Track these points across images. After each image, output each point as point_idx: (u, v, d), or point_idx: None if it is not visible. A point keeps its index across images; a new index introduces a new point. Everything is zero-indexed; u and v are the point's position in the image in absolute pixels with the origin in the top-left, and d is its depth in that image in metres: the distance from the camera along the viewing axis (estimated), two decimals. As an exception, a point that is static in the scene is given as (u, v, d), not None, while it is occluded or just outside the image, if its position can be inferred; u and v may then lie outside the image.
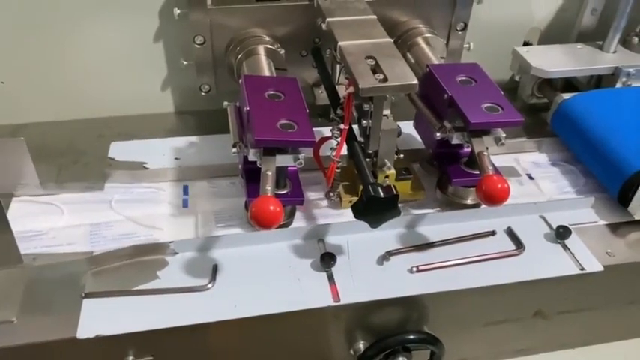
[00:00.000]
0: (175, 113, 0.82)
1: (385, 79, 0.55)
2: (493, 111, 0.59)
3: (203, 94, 0.75)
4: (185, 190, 0.67)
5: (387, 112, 0.59)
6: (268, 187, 0.51)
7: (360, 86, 0.54)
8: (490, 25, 0.82)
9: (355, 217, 0.54)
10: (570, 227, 0.62)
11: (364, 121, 0.59)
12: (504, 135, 0.59)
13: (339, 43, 0.59)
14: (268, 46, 0.71)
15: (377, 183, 0.55)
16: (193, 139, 0.74)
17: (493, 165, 0.57)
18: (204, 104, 0.78)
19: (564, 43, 0.85)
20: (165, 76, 0.78)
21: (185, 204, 0.65)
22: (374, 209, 0.53)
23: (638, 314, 0.68)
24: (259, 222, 0.48)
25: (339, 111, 0.60)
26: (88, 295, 0.53)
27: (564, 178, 0.72)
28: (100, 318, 0.51)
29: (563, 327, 0.66)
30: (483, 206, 0.63)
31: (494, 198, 0.53)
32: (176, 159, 0.71)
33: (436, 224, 0.62)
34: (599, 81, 0.83)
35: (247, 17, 0.71)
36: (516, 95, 0.84)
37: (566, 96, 0.75)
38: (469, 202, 0.64)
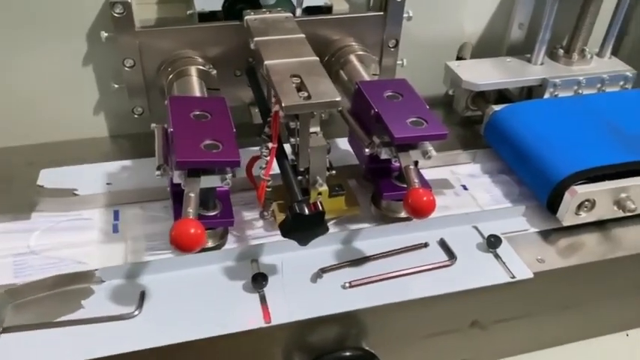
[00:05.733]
0: (110, 137, 0.80)
1: (309, 97, 0.55)
2: (418, 125, 0.59)
3: (136, 116, 0.74)
4: (116, 216, 0.65)
5: (315, 129, 0.59)
6: (190, 210, 0.50)
7: (283, 104, 0.54)
8: (422, 41, 0.84)
9: (282, 235, 0.54)
10: (501, 236, 0.63)
11: (292, 139, 0.59)
12: (431, 148, 0.60)
13: (265, 62, 0.59)
14: (200, 67, 0.70)
15: (303, 200, 0.54)
16: (126, 162, 0.73)
17: (421, 178, 0.58)
18: (138, 127, 0.76)
19: (496, 56, 0.87)
20: (98, 100, 0.77)
21: (115, 229, 0.64)
22: (301, 227, 0.53)
23: (574, 319, 0.69)
24: (179, 245, 0.47)
25: (266, 129, 0.60)
26: (7, 330, 0.51)
27: (498, 188, 0.73)
28: (20, 354, 0.49)
29: (501, 336, 0.66)
30: (416, 219, 0.64)
31: (420, 210, 0.54)
32: (108, 184, 0.69)
33: (371, 239, 0.62)
34: (530, 92, 0.85)
35: (178, 39, 0.71)
36: (452, 108, 0.86)
37: (497, 107, 0.77)
38: (402, 215, 0.65)
